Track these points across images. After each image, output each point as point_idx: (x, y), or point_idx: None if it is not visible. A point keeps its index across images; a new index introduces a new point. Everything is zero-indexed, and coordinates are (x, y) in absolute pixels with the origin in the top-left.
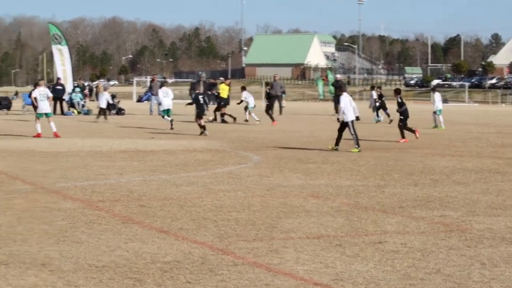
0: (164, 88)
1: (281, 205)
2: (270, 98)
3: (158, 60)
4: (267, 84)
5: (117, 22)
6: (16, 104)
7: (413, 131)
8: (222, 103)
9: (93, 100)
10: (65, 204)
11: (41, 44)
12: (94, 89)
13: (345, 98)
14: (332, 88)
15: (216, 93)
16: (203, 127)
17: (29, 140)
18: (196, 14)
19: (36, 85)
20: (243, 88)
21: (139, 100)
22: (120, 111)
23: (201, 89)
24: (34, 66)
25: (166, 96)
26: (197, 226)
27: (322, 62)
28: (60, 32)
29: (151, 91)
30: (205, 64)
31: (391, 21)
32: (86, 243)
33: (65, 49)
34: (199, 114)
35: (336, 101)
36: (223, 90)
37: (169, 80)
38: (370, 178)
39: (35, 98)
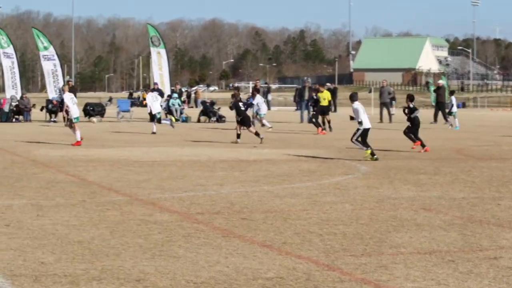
0: (152, 93)
1: (390, 218)
2: (317, 105)
3: (261, 64)
4: (316, 90)
5: (217, 24)
6: (110, 110)
7: (413, 140)
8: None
9: (192, 107)
10: (161, 217)
11: (137, 47)
12: (193, 95)
13: (358, 107)
14: (433, 95)
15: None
16: (238, 135)
17: (122, 149)
18: (301, 16)
19: (71, 88)
20: (257, 91)
21: None
22: (220, 119)
23: (307, 95)
24: (129, 71)
25: (156, 101)
26: (302, 240)
27: (434, 67)
28: (158, 34)
29: (253, 97)
30: (310, 69)
31: (507, 23)
32: (184, 258)
33: (163, 52)
34: (242, 122)
35: (437, 107)
36: (319, 97)
37: (273, 86)
38: (485, 190)
39: (67, 105)
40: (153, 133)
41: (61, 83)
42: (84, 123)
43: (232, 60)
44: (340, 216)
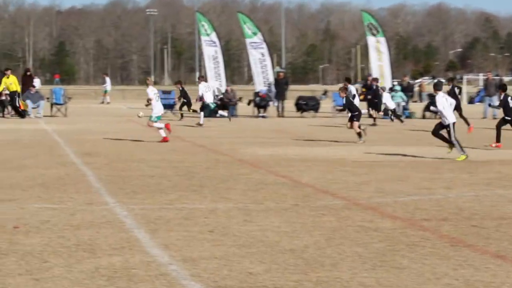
0: (205, 83)
1: None
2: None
3: (492, 54)
4: (450, 79)
5: (443, 9)
6: (325, 105)
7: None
8: None
9: (416, 101)
10: (382, 223)
11: (354, 35)
12: (417, 88)
13: (440, 98)
14: None
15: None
16: (358, 134)
17: (339, 147)
18: None
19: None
20: (349, 81)
21: (470, 101)
22: None
23: None
24: (345, 61)
25: (208, 91)
26: None
27: None
28: (376, 21)
29: (486, 91)
30: None
31: None
32: (408, 269)
33: (382, 41)
34: (353, 117)
35: None
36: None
37: (505, 78)
38: None
39: (149, 100)
40: (200, 124)
41: (270, 74)
42: (296, 119)
43: (460, 50)
44: None
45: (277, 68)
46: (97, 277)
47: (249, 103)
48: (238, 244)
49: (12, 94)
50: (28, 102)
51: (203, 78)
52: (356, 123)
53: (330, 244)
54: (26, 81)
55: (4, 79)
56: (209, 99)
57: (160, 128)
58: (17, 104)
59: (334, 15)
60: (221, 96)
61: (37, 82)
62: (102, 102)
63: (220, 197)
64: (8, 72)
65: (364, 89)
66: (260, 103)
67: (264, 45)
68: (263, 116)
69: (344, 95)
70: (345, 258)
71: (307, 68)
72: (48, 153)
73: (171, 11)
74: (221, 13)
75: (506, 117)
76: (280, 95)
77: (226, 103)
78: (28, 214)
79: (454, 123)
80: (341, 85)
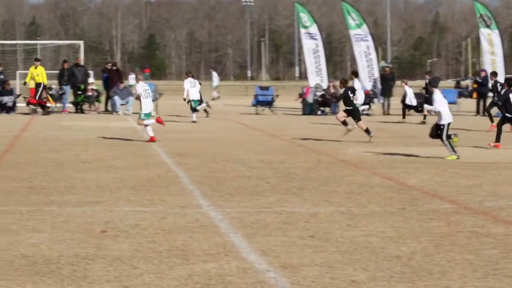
0: (191, 79)
1: None
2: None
3: None
4: (494, 74)
5: None
6: None
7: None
8: None
9: None
10: (495, 229)
11: (465, 27)
12: None
13: (439, 96)
14: None
15: None
16: (366, 130)
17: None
18: None
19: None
20: (355, 75)
21: None
22: None
23: None
24: (455, 55)
25: (194, 87)
26: None
27: None
28: (489, 12)
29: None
30: None
31: None
32: None
33: (495, 33)
34: (350, 114)
35: None
36: None
37: None
38: None
39: (139, 96)
40: (194, 121)
41: (375, 69)
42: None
43: None
44: None
45: (383, 63)
46: (190, 284)
47: None
48: (340, 250)
49: (37, 86)
50: (116, 98)
51: (190, 73)
52: (360, 123)
53: (439, 250)
54: (112, 76)
55: (31, 69)
56: (194, 96)
57: (147, 125)
58: (36, 97)
59: (443, 5)
60: (323, 92)
61: (131, 78)
62: (213, 99)
63: (322, 200)
64: (37, 63)
65: (475, 85)
66: (365, 101)
67: (370, 38)
68: (367, 114)
69: (343, 87)
70: (455, 266)
71: (414, 62)
72: (137, 153)
73: (268, 1)
74: (322, 4)
75: (507, 114)
76: (386, 92)
77: (327, 100)
78: (117, 218)
79: (449, 124)
80: (450, 80)
